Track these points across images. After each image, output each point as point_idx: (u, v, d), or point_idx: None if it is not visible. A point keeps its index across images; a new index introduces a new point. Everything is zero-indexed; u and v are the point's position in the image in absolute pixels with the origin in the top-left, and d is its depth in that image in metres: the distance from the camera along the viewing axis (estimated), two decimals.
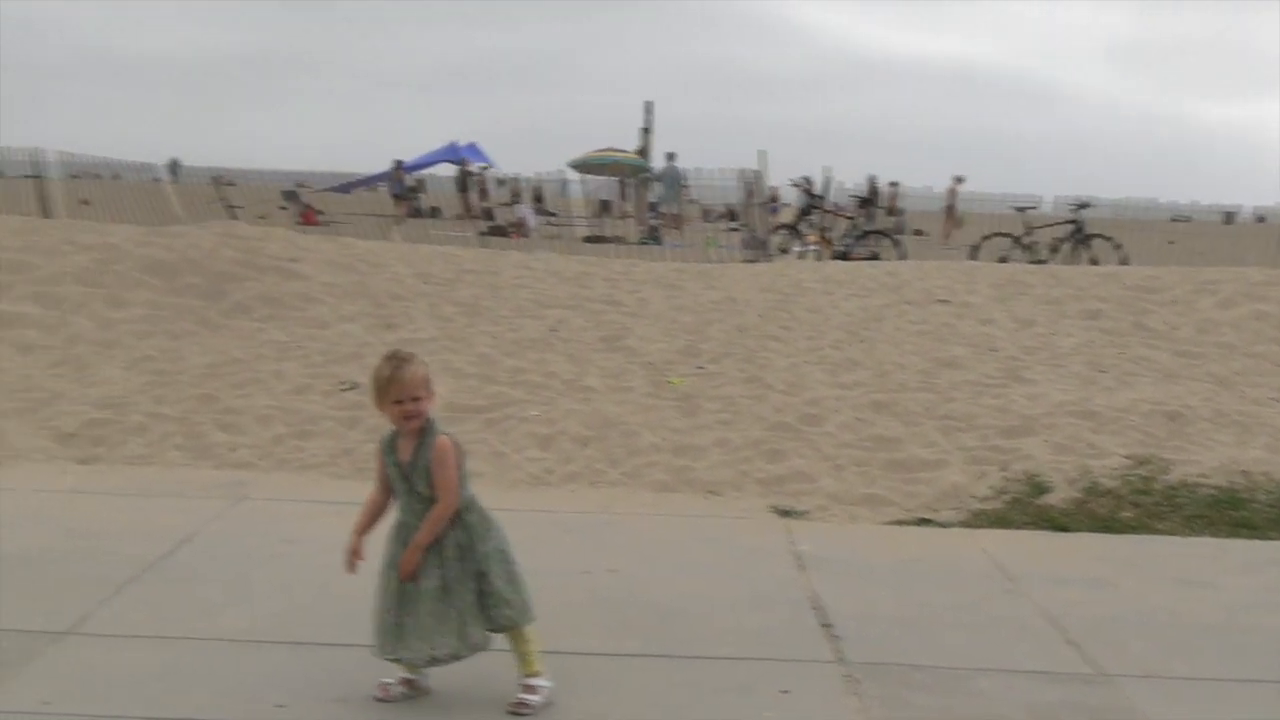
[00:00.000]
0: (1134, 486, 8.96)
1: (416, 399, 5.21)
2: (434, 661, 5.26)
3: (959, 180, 31.42)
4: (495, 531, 5.39)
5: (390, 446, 5.34)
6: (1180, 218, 27.19)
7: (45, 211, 26.97)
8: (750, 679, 5.70)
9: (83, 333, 11.90)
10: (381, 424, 5.56)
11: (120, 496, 8.44)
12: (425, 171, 38.25)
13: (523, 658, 5.35)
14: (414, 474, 5.26)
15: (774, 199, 29.49)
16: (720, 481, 9.12)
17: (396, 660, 5.29)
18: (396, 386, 5.19)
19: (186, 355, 11.45)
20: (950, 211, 29.42)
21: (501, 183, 30.98)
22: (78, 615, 6.17)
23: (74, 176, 30.74)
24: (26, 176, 30.14)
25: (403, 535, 5.29)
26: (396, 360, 5.27)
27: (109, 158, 31.50)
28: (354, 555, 5.37)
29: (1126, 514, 8.60)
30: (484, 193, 29.39)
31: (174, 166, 32.55)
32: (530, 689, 5.30)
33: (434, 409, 5.36)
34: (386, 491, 5.39)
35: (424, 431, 5.27)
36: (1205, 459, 9.40)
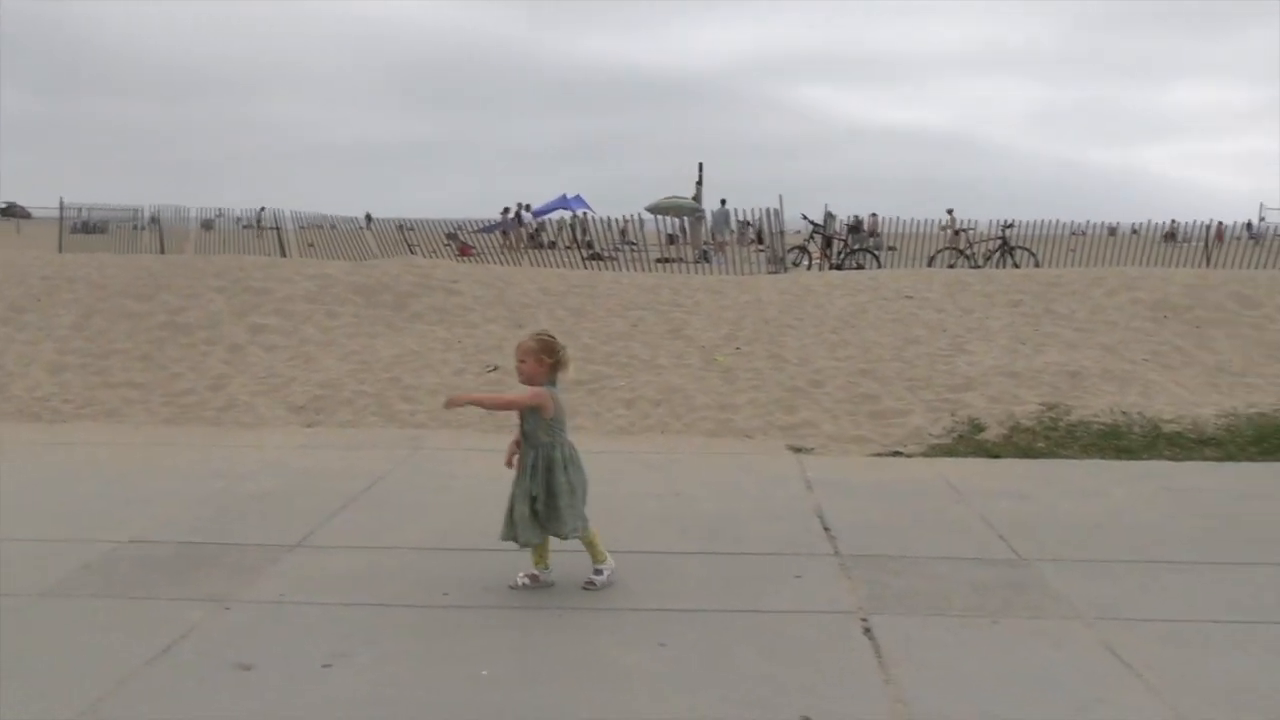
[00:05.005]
0: (1045, 425, 8.82)
1: (521, 360, 5.26)
2: (518, 541, 5.25)
3: (950, 210, 30.82)
4: (575, 472, 5.29)
5: None
6: (1078, 232, 26.57)
7: (282, 252, 27.30)
8: (773, 568, 5.66)
9: (309, 336, 12.02)
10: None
11: (334, 449, 8.52)
12: (546, 216, 38.23)
13: (591, 552, 5.36)
14: (525, 413, 5.28)
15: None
16: (752, 428, 9.07)
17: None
18: (516, 349, 5.32)
19: (380, 350, 11.52)
20: (955, 234, 28.24)
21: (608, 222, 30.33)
22: (304, 532, 6.24)
23: (302, 227, 31.01)
24: (269, 227, 30.53)
25: (521, 455, 5.33)
26: (525, 335, 5.41)
27: (325, 213, 31.82)
28: (509, 457, 5.41)
29: (1040, 444, 8.47)
30: (585, 230, 29.31)
31: (368, 218, 32.60)
32: (598, 572, 5.33)
33: (543, 375, 5.24)
34: None
35: (535, 385, 5.26)
36: (1096, 404, 9.25)
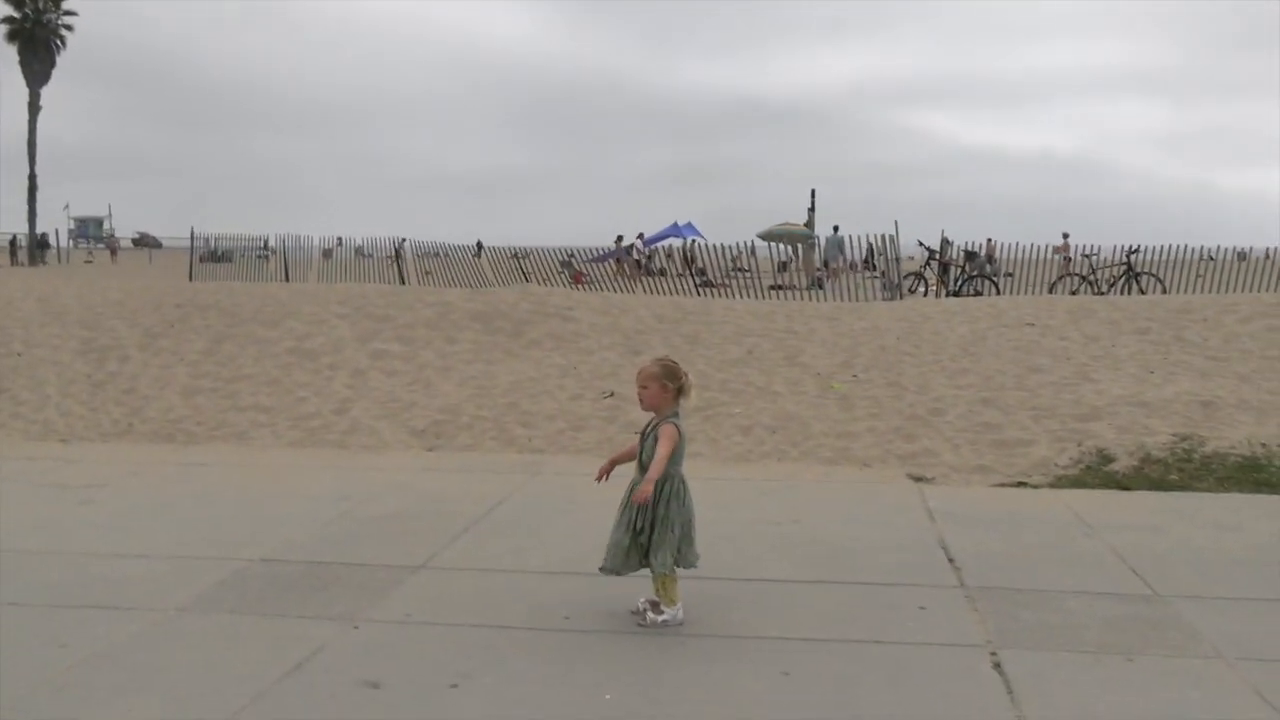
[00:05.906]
0: (1178, 456, 8.54)
1: (644, 386, 5.20)
2: (603, 570, 5.24)
3: (1065, 235, 30.79)
4: (678, 507, 5.15)
5: (649, 422, 5.31)
6: (1206, 257, 25.64)
7: (402, 280, 27.95)
8: (897, 599, 5.58)
9: (428, 361, 12.26)
10: (633, 419, 5.56)
11: (455, 473, 8.68)
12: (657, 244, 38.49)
13: (663, 592, 5.17)
14: (645, 441, 5.23)
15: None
16: (871, 457, 8.96)
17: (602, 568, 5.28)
18: (638, 374, 5.27)
19: (498, 376, 11.70)
20: (1066, 260, 27.94)
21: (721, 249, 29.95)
22: (428, 554, 6.35)
23: (420, 255, 31.73)
24: (389, 257, 31.33)
25: (632, 483, 5.23)
26: (646, 360, 5.35)
27: (441, 241, 32.48)
28: (600, 472, 5.38)
29: (1173, 477, 8.20)
30: (694, 257, 29.49)
31: (479, 246, 33.11)
32: (659, 611, 5.16)
33: (667, 402, 5.16)
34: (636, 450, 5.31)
35: (659, 414, 5.22)
36: (1232, 435, 8.92)
